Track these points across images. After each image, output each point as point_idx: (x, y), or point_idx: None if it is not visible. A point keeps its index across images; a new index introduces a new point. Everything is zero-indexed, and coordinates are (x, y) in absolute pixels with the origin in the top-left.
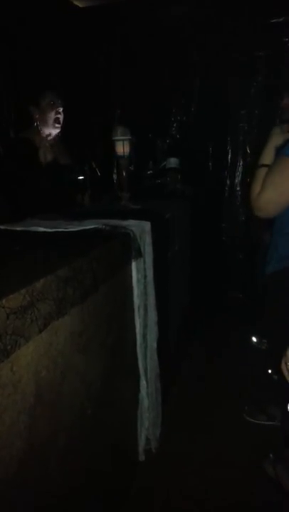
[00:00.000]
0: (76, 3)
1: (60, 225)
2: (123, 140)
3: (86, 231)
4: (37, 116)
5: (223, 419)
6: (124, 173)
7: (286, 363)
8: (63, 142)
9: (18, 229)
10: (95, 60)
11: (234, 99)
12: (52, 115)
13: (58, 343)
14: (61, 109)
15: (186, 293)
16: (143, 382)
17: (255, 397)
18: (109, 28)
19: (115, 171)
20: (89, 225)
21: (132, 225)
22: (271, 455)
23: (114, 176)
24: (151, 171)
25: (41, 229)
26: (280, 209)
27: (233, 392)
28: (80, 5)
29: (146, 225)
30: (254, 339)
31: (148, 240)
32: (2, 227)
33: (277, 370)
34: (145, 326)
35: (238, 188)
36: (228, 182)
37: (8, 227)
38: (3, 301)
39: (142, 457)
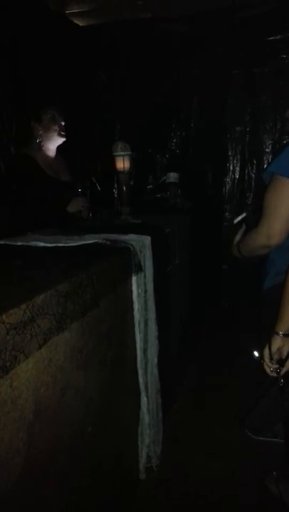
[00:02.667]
0: (76, 21)
1: (60, 240)
2: (123, 155)
3: (86, 246)
4: (40, 132)
5: (226, 436)
6: (124, 188)
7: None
8: (64, 158)
9: (19, 244)
10: (95, 77)
11: (233, 115)
12: (55, 128)
13: (58, 359)
14: (63, 123)
15: (186, 306)
16: (144, 399)
17: (258, 413)
18: (109, 46)
19: (116, 186)
20: (89, 240)
21: (133, 239)
22: (274, 472)
23: (115, 191)
24: (151, 186)
25: (42, 244)
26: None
27: (235, 408)
28: (81, 23)
29: (147, 240)
30: (256, 353)
31: (148, 254)
32: (2, 242)
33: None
34: (146, 341)
35: (236, 202)
36: (226, 195)
37: (9, 242)
38: (3, 316)
39: (142, 475)
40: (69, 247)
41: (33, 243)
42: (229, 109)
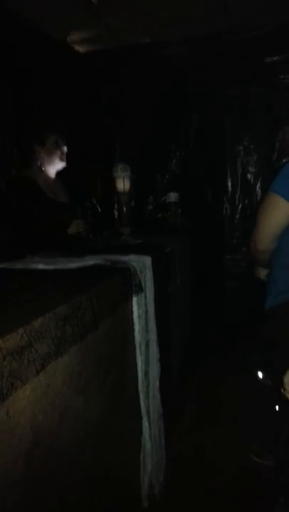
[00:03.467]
0: (77, 48)
1: (60, 262)
2: (123, 177)
3: (86, 267)
4: (42, 155)
5: (230, 460)
6: (124, 209)
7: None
8: (64, 179)
9: (18, 267)
10: (95, 100)
11: (231, 135)
12: (58, 153)
13: (56, 384)
14: (65, 148)
15: (187, 326)
16: (145, 424)
17: (263, 436)
18: (109, 70)
19: (116, 207)
20: (89, 261)
21: (133, 260)
22: (282, 499)
23: (115, 212)
24: (151, 206)
25: (41, 266)
26: (272, 240)
27: (240, 431)
28: (81, 50)
29: (147, 260)
30: (260, 374)
31: (149, 274)
32: (1, 266)
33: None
34: (147, 364)
35: (236, 221)
36: (226, 214)
37: (8, 266)
38: (0, 341)
39: (145, 503)
40: (69, 269)
41: (32, 266)
42: (228, 129)
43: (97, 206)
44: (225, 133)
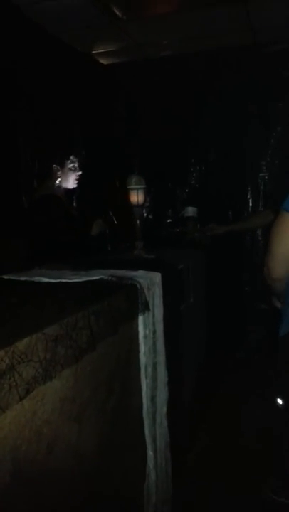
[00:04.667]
0: (101, 60)
1: (64, 276)
2: (137, 189)
3: (90, 282)
4: (59, 176)
5: (244, 496)
6: (138, 222)
7: None
8: (83, 190)
9: (22, 279)
10: (115, 113)
11: (253, 149)
12: (73, 176)
13: (44, 411)
14: (80, 173)
15: (202, 348)
16: (150, 453)
17: (281, 471)
18: (130, 83)
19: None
20: (95, 276)
21: (140, 276)
22: None
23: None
24: (170, 220)
25: (45, 279)
26: (287, 266)
27: (255, 463)
28: (105, 62)
29: (156, 276)
30: (279, 401)
31: (158, 292)
32: (6, 276)
33: None
34: (154, 388)
35: (259, 238)
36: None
37: (13, 277)
38: None
39: None
40: (72, 283)
41: (37, 278)
42: (249, 143)
43: (114, 218)
44: (246, 147)
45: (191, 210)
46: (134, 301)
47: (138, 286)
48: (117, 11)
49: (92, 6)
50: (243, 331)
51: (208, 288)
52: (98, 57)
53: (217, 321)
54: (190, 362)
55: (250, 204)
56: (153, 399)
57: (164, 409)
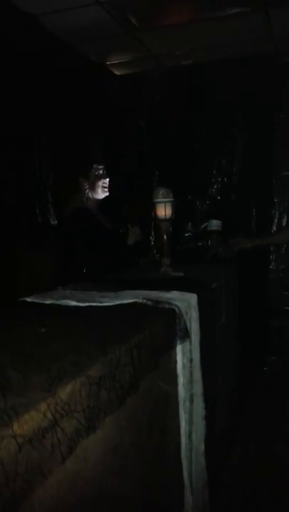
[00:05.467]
0: (115, 71)
1: (93, 298)
2: (165, 202)
3: (123, 306)
4: (86, 187)
5: None
6: (165, 237)
7: None
8: (103, 206)
9: (48, 302)
10: (134, 124)
11: (279, 160)
12: (100, 184)
13: (87, 470)
14: (108, 179)
15: (233, 373)
16: (188, 496)
17: None
18: (148, 93)
19: (152, 234)
20: (127, 299)
21: (176, 298)
22: None
23: (151, 239)
24: (190, 234)
25: (73, 303)
26: None
27: None
28: (119, 73)
29: (192, 298)
30: None
31: (195, 315)
32: (29, 299)
33: None
34: (191, 423)
35: (282, 253)
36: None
37: (37, 300)
38: (15, 426)
39: None
40: (104, 307)
41: (64, 302)
42: (275, 154)
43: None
44: (272, 158)
45: (215, 224)
46: (172, 328)
47: (176, 310)
48: (133, 20)
49: (108, 14)
50: (270, 346)
51: (239, 305)
52: (112, 68)
53: (246, 338)
54: (224, 388)
55: (276, 218)
56: (190, 435)
57: (202, 447)
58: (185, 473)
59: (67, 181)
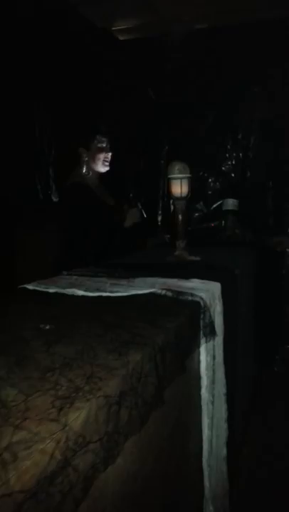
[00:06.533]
0: (122, 37)
1: (104, 286)
2: (181, 178)
3: (138, 297)
4: (86, 159)
5: None
6: (180, 218)
7: None
8: (107, 180)
9: (51, 291)
10: (142, 93)
11: None
12: (101, 157)
13: (104, 509)
14: (110, 153)
15: (252, 369)
16: (210, 508)
17: None
18: (158, 62)
19: (160, 212)
20: (142, 289)
21: (199, 287)
22: None
23: (159, 218)
24: (201, 213)
25: (81, 292)
26: None
27: None
28: (126, 38)
29: (216, 288)
30: None
31: (219, 307)
32: (30, 286)
33: None
34: (212, 427)
35: None
36: None
37: (39, 288)
38: (13, 479)
39: None
40: (116, 297)
41: (70, 291)
42: None
43: (143, 211)
44: None
45: (231, 203)
46: (198, 324)
47: (201, 303)
48: None
49: None
50: (280, 342)
51: (258, 294)
52: (119, 34)
53: (260, 327)
54: (242, 384)
55: None
56: (211, 441)
57: (224, 452)
58: (206, 483)
59: (69, 154)
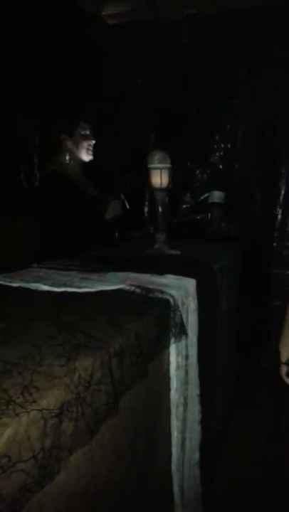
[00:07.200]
0: (110, 22)
1: (72, 281)
2: (161, 169)
3: (106, 294)
4: (69, 146)
5: None
6: (160, 209)
7: None
8: (90, 170)
9: (14, 285)
10: (129, 81)
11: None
12: (85, 145)
13: None
14: (94, 141)
15: (232, 362)
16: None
17: None
18: (145, 46)
19: (146, 204)
20: (111, 284)
21: (171, 284)
22: None
23: (145, 209)
24: (187, 205)
25: (46, 287)
26: None
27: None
28: (113, 23)
29: (190, 284)
30: None
31: (192, 305)
32: None
33: None
34: (184, 430)
35: (288, 229)
36: (278, 221)
37: (2, 281)
38: None
39: None
40: (82, 294)
41: (35, 285)
42: (284, 119)
43: (126, 202)
44: (282, 123)
45: (217, 196)
46: (166, 324)
47: (171, 301)
48: None
49: None
50: (266, 337)
51: (242, 289)
52: (107, 19)
53: (245, 322)
54: (221, 383)
55: (283, 191)
56: (182, 444)
57: (197, 456)
58: (176, 489)
59: (54, 141)
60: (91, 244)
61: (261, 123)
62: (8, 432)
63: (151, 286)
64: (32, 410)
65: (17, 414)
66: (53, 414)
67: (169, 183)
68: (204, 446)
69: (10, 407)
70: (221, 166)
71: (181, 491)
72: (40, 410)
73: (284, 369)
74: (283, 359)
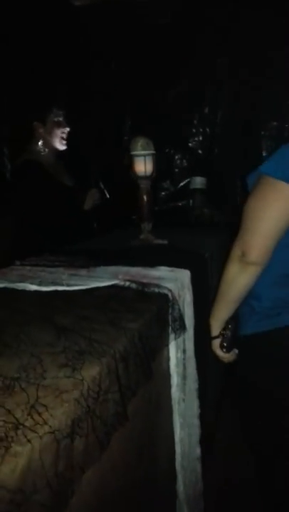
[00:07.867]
0: (78, 3)
1: (60, 278)
2: (145, 155)
3: (98, 291)
4: (42, 134)
5: None
6: (145, 198)
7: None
8: (66, 159)
9: (0, 286)
10: (102, 65)
11: (268, 108)
12: (59, 133)
13: None
14: (68, 129)
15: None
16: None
17: None
18: (117, 29)
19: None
20: (103, 280)
21: (166, 277)
22: None
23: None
24: (167, 192)
25: (33, 287)
26: (272, 245)
27: None
28: (82, 4)
29: (185, 276)
30: None
31: (189, 297)
32: None
33: None
34: (184, 426)
35: None
36: None
37: None
38: None
39: None
40: (74, 292)
41: (22, 285)
42: (264, 101)
43: (105, 191)
44: (261, 106)
45: (199, 181)
46: (165, 319)
47: (169, 295)
48: None
49: None
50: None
51: None
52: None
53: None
54: (213, 375)
55: None
56: (182, 441)
57: (198, 451)
58: (180, 487)
59: (25, 129)
60: (69, 236)
61: (241, 106)
62: (21, 463)
63: (145, 281)
64: (45, 434)
65: (29, 441)
66: (65, 433)
67: (154, 170)
68: (202, 441)
69: (19, 431)
70: (200, 151)
71: (186, 490)
72: (53, 432)
73: (216, 342)
74: (215, 333)
